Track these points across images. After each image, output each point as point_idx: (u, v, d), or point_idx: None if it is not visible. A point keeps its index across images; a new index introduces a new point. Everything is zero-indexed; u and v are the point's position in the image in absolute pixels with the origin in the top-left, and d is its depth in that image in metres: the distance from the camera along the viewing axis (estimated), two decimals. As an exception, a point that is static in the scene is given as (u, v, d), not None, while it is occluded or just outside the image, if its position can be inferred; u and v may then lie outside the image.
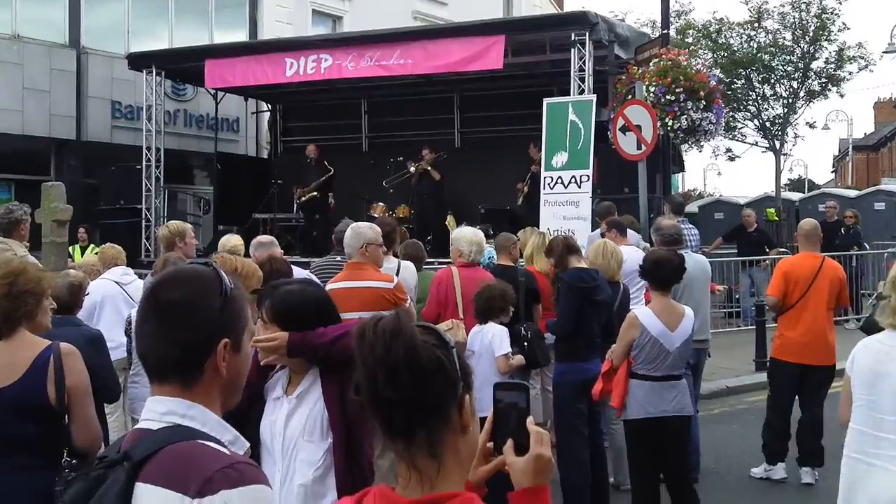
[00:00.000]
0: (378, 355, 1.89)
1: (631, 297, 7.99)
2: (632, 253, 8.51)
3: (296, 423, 3.69)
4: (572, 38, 14.21)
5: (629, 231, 9.97)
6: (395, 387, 1.88)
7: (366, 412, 1.94)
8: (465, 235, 7.87)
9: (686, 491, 6.50)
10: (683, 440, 6.53)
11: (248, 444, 2.13)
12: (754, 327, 13.61)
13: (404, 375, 1.88)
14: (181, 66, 18.61)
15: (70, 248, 14.41)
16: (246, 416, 3.72)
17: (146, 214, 18.08)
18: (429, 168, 16.68)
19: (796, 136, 33.30)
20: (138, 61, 18.37)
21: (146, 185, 18.11)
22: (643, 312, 6.36)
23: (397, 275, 7.29)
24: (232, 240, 8.49)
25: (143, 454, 1.94)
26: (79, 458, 3.97)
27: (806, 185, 52.79)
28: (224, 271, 4.13)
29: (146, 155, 18.18)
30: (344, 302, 6.44)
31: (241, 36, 22.60)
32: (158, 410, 2.04)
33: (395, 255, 7.92)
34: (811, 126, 34.55)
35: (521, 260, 9.00)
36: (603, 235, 9.19)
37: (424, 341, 1.93)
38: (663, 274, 6.33)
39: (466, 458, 1.98)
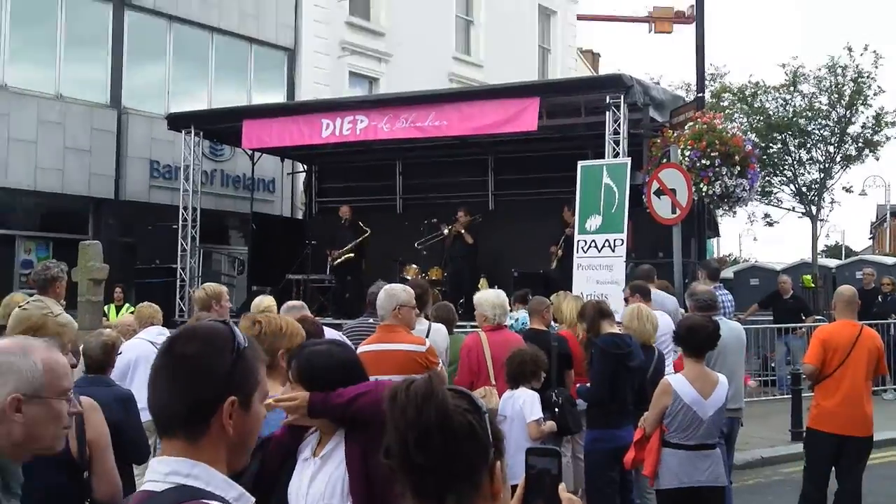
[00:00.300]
0: (410, 418, 1.88)
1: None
2: (665, 320, 8.45)
3: (318, 485, 3.64)
4: (607, 101, 14.22)
5: (668, 297, 9.90)
6: (426, 451, 1.87)
7: (395, 476, 1.92)
8: (487, 299, 7.84)
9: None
10: (718, 511, 6.38)
11: (252, 500, 2.11)
12: (790, 396, 13.38)
13: (436, 440, 1.87)
14: (219, 127, 18.84)
15: (105, 308, 14.53)
16: (277, 477, 3.68)
17: (181, 274, 18.19)
18: (462, 231, 16.67)
19: (833, 202, 33.11)
20: (177, 122, 18.65)
21: (182, 244, 18.26)
22: (676, 379, 6.26)
23: (427, 337, 7.26)
24: (265, 301, 8.53)
25: None
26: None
27: (843, 252, 52.38)
28: (269, 331, 4.14)
29: (182, 214, 18.37)
30: (376, 364, 6.43)
31: (279, 97, 22.92)
32: (162, 471, 2.02)
33: (427, 318, 7.89)
34: (848, 191, 34.34)
35: (555, 324, 8.95)
36: (627, 301, 9.12)
37: (456, 406, 1.91)
38: (697, 340, 6.23)
39: None
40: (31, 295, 8.33)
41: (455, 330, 8.56)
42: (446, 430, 1.87)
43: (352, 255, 17.58)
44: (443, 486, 1.89)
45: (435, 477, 1.88)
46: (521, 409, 6.72)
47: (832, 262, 29.36)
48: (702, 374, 6.23)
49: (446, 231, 16.86)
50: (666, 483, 6.20)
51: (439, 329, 7.71)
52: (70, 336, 4.57)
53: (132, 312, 14.01)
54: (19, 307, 7.80)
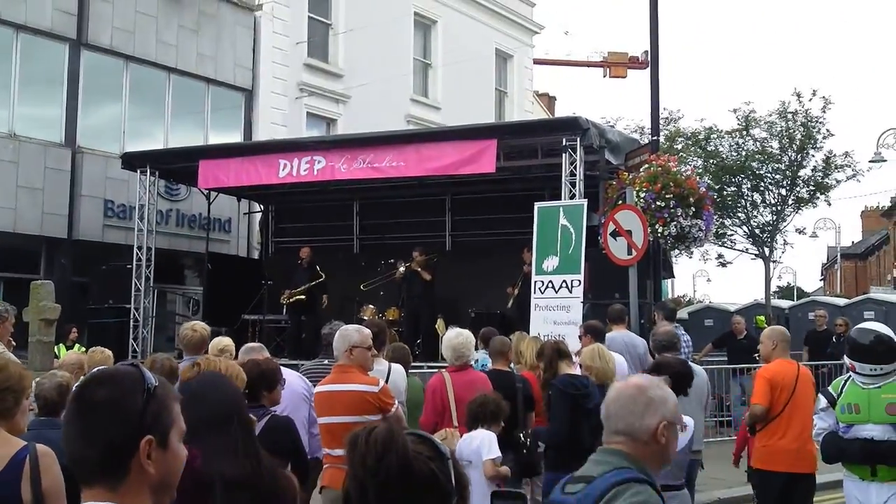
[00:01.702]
0: (370, 467, 1.83)
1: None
2: (619, 360, 8.48)
3: None
4: (563, 143, 14.34)
5: (636, 336, 9.96)
6: (386, 501, 1.81)
7: None
8: (445, 340, 7.81)
9: None
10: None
11: None
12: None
13: (396, 489, 1.82)
14: (175, 167, 18.72)
15: (56, 348, 14.31)
16: None
17: (135, 314, 17.98)
18: (418, 269, 16.67)
19: (785, 243, 33.58)
20: (132, 161, 18.52)
21: (136, 284, 18.04)
22: None
23: (388, 377, 7.22)
24: (223, 341, 8.44)
25: None
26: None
27: (795, 293, 53.03)
28: (209, 371, 4.08)
29: (137, 254, 18.18)
30: (329, 405, 6.39)
31: (235, 137, 22.84)
32: None
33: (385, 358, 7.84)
34: (800, 233, 34.82)
35: (513, 365, 8.95)
36: (581, 339, 9.15)
37: (418, 453, 1.87)
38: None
39: None
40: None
41: (410, 371, 8.50)
42: (407, 478, 1.84)
43: (303, 297, 17.49)
44: None
45: None
46: (478, 448, 6.68)
47: (785, 303, 29.72)
48: None
49: (402, 269, 16.85)
50: None
51: (398, 370, 7.65)
52: (30, 380, 4.47)
53: (84, 352, 13.88)
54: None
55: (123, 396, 2.05)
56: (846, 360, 6.64)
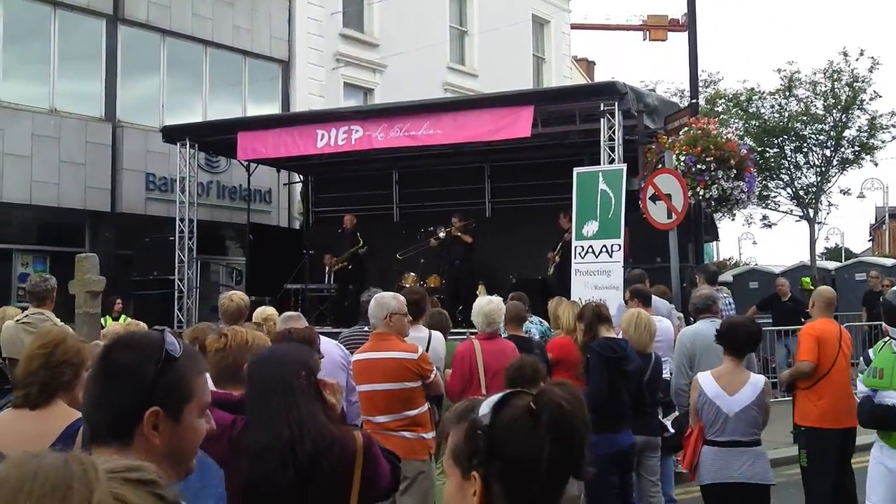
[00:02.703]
0: None
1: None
2: (663, 325, 8.45)
3: None
4: (601, 109, 14.26)
5: (660, 300, 9.90)
6: None
7: None
8: (475, 307, 7.80)
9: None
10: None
11: None
12: (790, 398, 13.30)
13: None
14: (214, 139, 18.84)
15: (102, 319, 14.50)
16: None
17: (179, 285, 18.19)
18: (459, 234, 16.69)
19: (830, 205, 33.13)
20: (172, 134, 18.66)
21: (179, 256, 18.25)
22: (703, 375, 6.40)
23: (428, 344, 7.25)
24: (267, 310, 8.51)
25: None
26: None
27: (843, 254, 52.34)
28: (234, 344, 4.10)
29: (179, 226, 18.36)
30: (367, 373, 6.42)
31: (273, 109, 22.92)
32: None
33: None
34: (845, 194, 34.32)
35: (553, 330, 8.97)
36: (627, 304, 9.12)
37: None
38: (735, 339, 6.35)
39: None
40: (23, 308, 8.34)
41: (449, 337, 8.51)
42: None
43: (347, 264, 17.58)
44: None
45: None
46: None
47: (831, 265, 29.35)
48: (731, 371, 6.30)
49: (442, 234, 16.86)
50: (702, 479, 6.32)
51: (438, 337, 7.66)
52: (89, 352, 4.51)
53: (128, 324, 14.05)
54: (16, 320, 7.82)
55: (137, 364, 2.03)
56: (884, 324, 6.49)
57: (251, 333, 4.40)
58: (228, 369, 4.23)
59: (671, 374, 8.61)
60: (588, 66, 45.54)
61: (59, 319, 7.94)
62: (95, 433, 2.03)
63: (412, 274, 16.61)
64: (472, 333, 8.40)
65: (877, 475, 6.33)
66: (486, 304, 7.69)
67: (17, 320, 7.66)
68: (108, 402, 2.01)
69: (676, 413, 8.08)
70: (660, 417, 7.86)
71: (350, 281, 17.71)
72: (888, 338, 6.40)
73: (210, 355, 4.36)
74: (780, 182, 31.67)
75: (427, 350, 7.18)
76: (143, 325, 8.73)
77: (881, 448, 6.35)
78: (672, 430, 8.01)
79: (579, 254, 13.43)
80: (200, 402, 2.12)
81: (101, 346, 5.65)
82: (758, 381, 6.35)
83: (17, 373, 3.96)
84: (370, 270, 17.68)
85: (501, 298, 8.08)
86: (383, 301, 6.58)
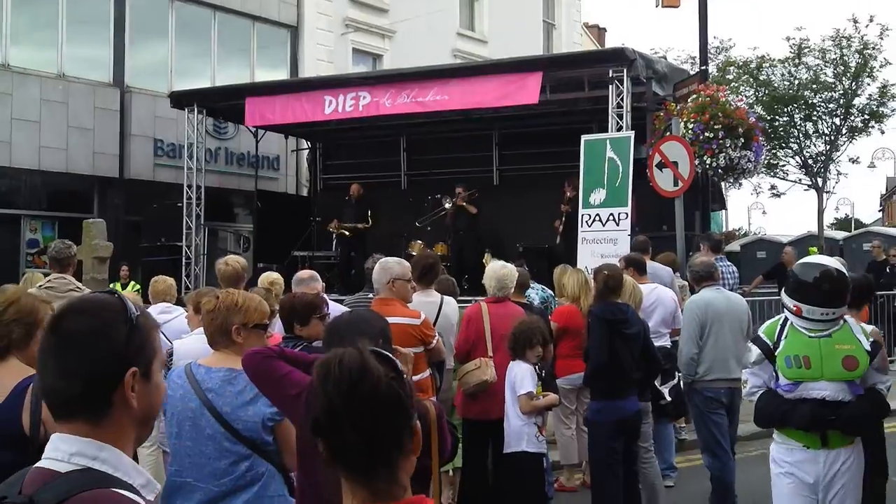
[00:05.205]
0: (344, 393, 1.84)
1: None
2: (660, 293, 8.52)
3: None
4: (610, 75, 14.19)
5: (663, 268, 9.92)
6: (359, 427, 1.84)
7: (324, 450, 1.90)
8: (489, 271, 7.82)
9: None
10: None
11: (159, 488, 2.04)
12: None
13: (369, 416, 1.84)
14: (222, 105, 18.80)
15: (110, 286, 14.58)
16: None
17: (186, 252, 18.25)
18: (464, 204, 16.70)
19: (839, 174, 33.02)
20: (180, 100, 18.64)
21: (187, 222, 18.30)
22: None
23: (440, 309, 7.28)
24: (271, 276, 8.51)
25: (51, 502, 1.82)
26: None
27: (853, 224, 52.18)
28: (224, 306, 4.14)
29: (187, 193, 18.40)
30: (371, 338, 6.45)
31: (282, 74, 22.86)
32: (66, 450, 1.91)
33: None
34: (854, 162, 34.20)
35: (561, 298, 9.01)
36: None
37: (385, 375, 1.88)
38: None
39: (411, 471, 1.95)
40: (45, 275, 8.38)
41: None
42: (379, 404, 1.85)
43: (347, 233, 17.64)
44: (375, 458, 1.87)
45: (368, 451, 1.86)
46: (512, 383, 6.77)
47: (839, 234, 29.32)
48: None
49: (448, 205, 16.87)
50: None
51: (450, 301, 7.67)
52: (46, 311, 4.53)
53: (137, 291, 14.10)
54: (39, 286, 7.86)
55: (106, 327, 1.96)
56: (787, 301, 5.32)
57: (243, 295, 4.45)
58: (219, 330, 4.29)
59: (671, 344, 8.64)
60: (599, 32, 45.28)
61: (80, 283, 7.99)
62: (64, 407, 1.95)
63: (419, 242, 16.63)
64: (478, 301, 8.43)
65: (787, 491, 5.27)
66: (500, 269, 7.72)
67: (40, 286, 7.69)
68: (79, 371, 1.92)
69: (675, 381, 8.10)
70: (657, 385, 7.87)
71: (352, 248, 17.74)
72: (786, 317, 5.34)
73: (203, 316, 4.43)
74: (790, 151, 31.57)
75: (438, 315, 7.22)
76: (170, 281, 8.63)
77: (789, 451, 5.27)
78: (669, 398, 8.03)
79: (586, 222, 13.41)
80: (160, 357, 2.11)
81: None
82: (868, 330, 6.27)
83: None
84: (377, 237, 17.68)
85: (514, 266, 8.11)
86: (387, 266, 6.60)
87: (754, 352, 5.39)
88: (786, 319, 5.31)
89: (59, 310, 2.03)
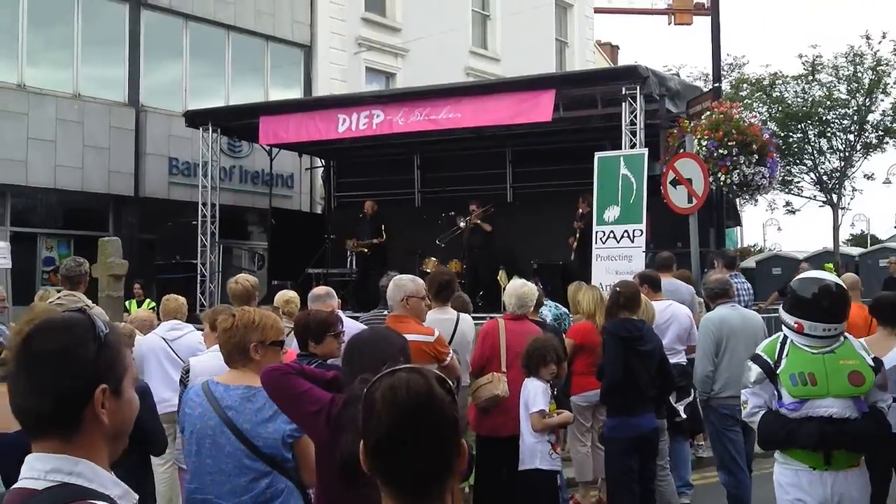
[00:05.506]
0: (410, 415, 1.87)
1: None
2: (675, 309, 8.50)
3: None
4: (623, 93, 14.21)
5: (683, 285, 9.89)
6: (422, 449, 1.87)
7: (375, 473, 1.91)
8: (510, 288, 7.82)
9: None
10: None
11: (136, 498, 2.05)
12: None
13: (433, 437, 1.87)
14: (237, 123, 18.90)
15: (126, 303, 14.62)
16: None
17: (201, 270, 18.31)
18: (478, 221, 16.72)
19: (854, 190, 32.90)
20: (195, 119, 18.74)
21: (202, 240, 18.37)
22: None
23: (456, 326, 7.27)
24: (288, 293, 8.55)
25: None
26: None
27: (868, 240, 51.93)
28: (241, 324, 4.16)
29: (202, 211, 18.47)
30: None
31: (295, 93, 22.95)
32: (42, 468, 1.94)
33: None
34: (869, 178, 34.08)
35: (577, 315, 9.00)
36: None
37: (445, 397, 1.92)
38: (881, 309, 6.68)
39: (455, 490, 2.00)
40: (59, 292, 8.45)
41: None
42: (444, 427, 1.89)
43: (366, 250, 17.66)
44: (431, 479, 1.89)
45: (426, 472, 1.88)
46: (526, 401, 6.77)
47: (855, 251, 29.21)
48: (880, 340, 6.42)
49: (463, 224, 16.88)
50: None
51: (466, 318, 7.67)
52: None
53: (152, 308, 14.15)
54: (49, 302, 7.93)
55: (76, 345, 1.98)
56: (787, 318, 5.16)
57: (259, 313, 4.46)
58: (237, 347, 4.31)
59: (686, 361, 8.60)
60: (612, 50, 45.28)
61: (90, 301, 8.05)
62: (35, 427, 1.98)
63: (433, 259, 16.64)
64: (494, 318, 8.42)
65: None
66: (521, 287, 7.71)
67: (50, 302, 7.78)
68: (49, 389, 1.94)
69: (690, 398, 8.06)
70: (672, 402, 7.84)
71: (369, 266, 17.76)
72: (785, 335, 5.20)
73: (219, 334, 4.44)
74: (804, 167, 31.49)
75: (454, 332, 7.21)
76: (181, 300, 8.68)
77: (795, 473, 5.11)
78: (684, 416, 7.99)
79: (600, 239, 13.40)
80: (132, 373, 2.11)
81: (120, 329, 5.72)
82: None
83: None
84: (392, 255, 17.70)
85: (535, 285, 8.12)
86: (401, 283, 6.60)
87: (754, 371, 5.20)
88: (785, 337, 5.18)
89: (28, 329, 2.04)
